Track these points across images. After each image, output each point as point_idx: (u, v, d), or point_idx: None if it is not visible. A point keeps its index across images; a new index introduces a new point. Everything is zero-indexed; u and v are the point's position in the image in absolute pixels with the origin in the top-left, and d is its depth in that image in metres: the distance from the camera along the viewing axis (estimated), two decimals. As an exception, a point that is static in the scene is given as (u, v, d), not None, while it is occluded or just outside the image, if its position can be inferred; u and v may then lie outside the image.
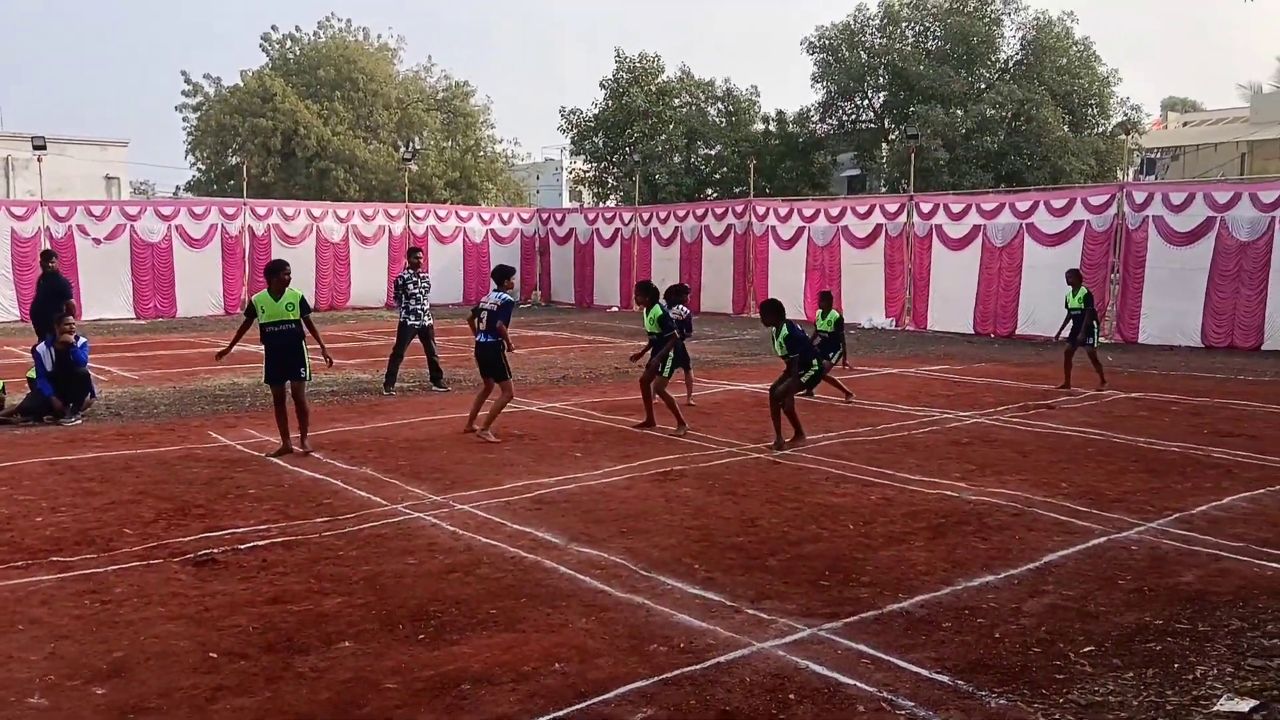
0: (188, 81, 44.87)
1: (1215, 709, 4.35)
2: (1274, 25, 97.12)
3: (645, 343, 11.11)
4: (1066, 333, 14.26)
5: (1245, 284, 19.44)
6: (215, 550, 6.52)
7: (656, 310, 10.71)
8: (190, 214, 28.27)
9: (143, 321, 26.57)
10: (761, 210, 28.10)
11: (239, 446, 9.88)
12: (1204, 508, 7.62)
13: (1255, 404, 12.77)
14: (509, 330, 10.24)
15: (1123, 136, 35.08)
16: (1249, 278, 19.39)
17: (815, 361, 10.23)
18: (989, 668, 4.76)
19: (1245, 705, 4.37)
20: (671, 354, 10.78)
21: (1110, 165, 35.10)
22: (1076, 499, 7.88)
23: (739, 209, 28.76)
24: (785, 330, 9.85)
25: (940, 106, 34.12)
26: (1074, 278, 14.35)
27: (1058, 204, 21.91)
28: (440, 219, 32.34)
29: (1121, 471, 8.89)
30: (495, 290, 10.30)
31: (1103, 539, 6.82)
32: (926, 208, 24.06)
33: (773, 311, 9.88)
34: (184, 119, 45.15)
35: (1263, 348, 19.13)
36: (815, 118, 39.62)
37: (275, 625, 5.27)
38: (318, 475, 8.64)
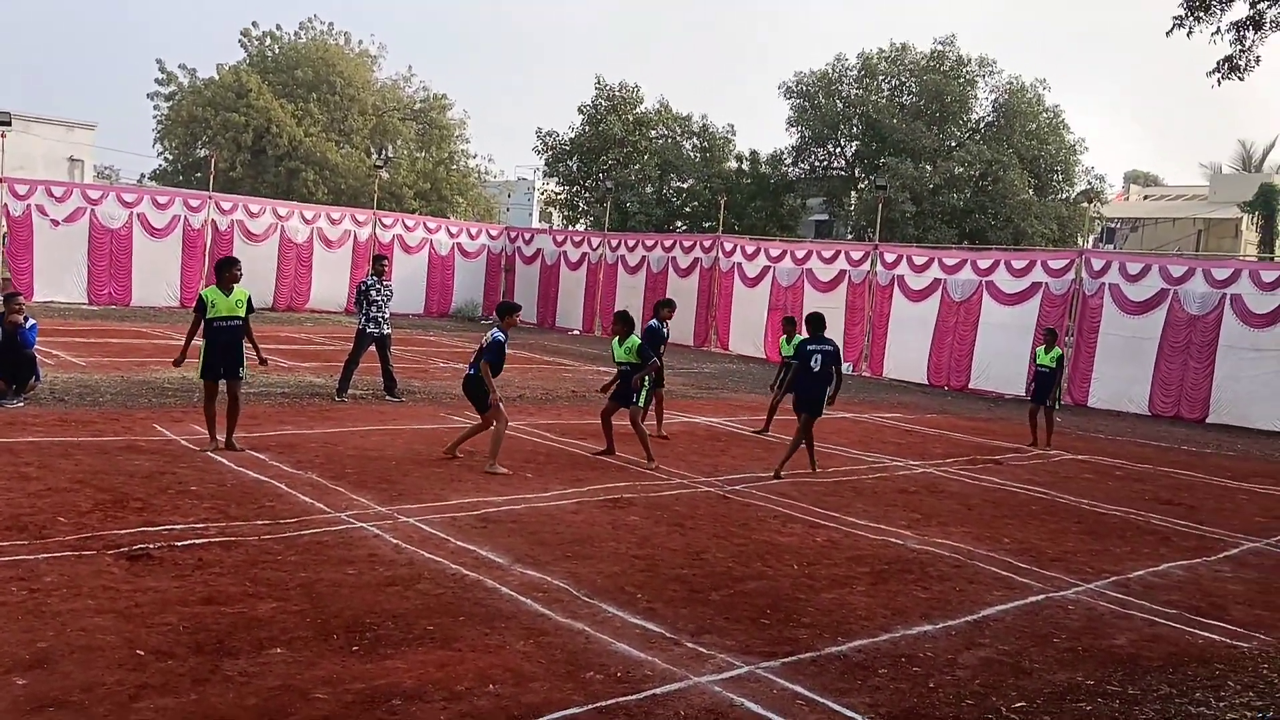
0: (162, 70, 44.42)
1: (1140, 772, 4.40)
2: (1236, 109, 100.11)
3: (615, 373, 10.99)
4: (1034, 389, 14.40)
5: (1194, 357, 19.90)
6: (151, 545, 6.39)
7: (633, 340, 10.60)
8: (154, 203, 27.88)
9: (96, 308, 26.09)
10: (729, 247, 28.27)
11: (183, 442, 9.72)
12: (1141, 573, 7.75)
13: (1196, 474, 13.03)
14: (498, 374, 9.94)
15: (1085, 204, 35.96)
16: (1197, 351, 19.86)
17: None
18: (922, 716, 4.79)
19: (1169, 770, 4.43)
20: (649, 385, 10.70)
21: (1071, 231, 35.86)
22: (1018, 555, 7.97)
23: (707, 243, 28.93)
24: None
25: (910, 160, 34.69)
26: (1049, 336, 14.55)
27: (1018, 264, 22.32)
28: (408, 228, 32.21)
29: (1063, 531, 9.02)
30: (493, 329, 9.95)
31: (1041, 596, 6.90)
32: (890, 258, 24.38)
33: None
34: (155, 107, 44.65)
35: (1207, 420, 19.56)
36: (788, 160, 40.10)
37: (206, 626, 5.17)
38: (262, 477, 8.51)
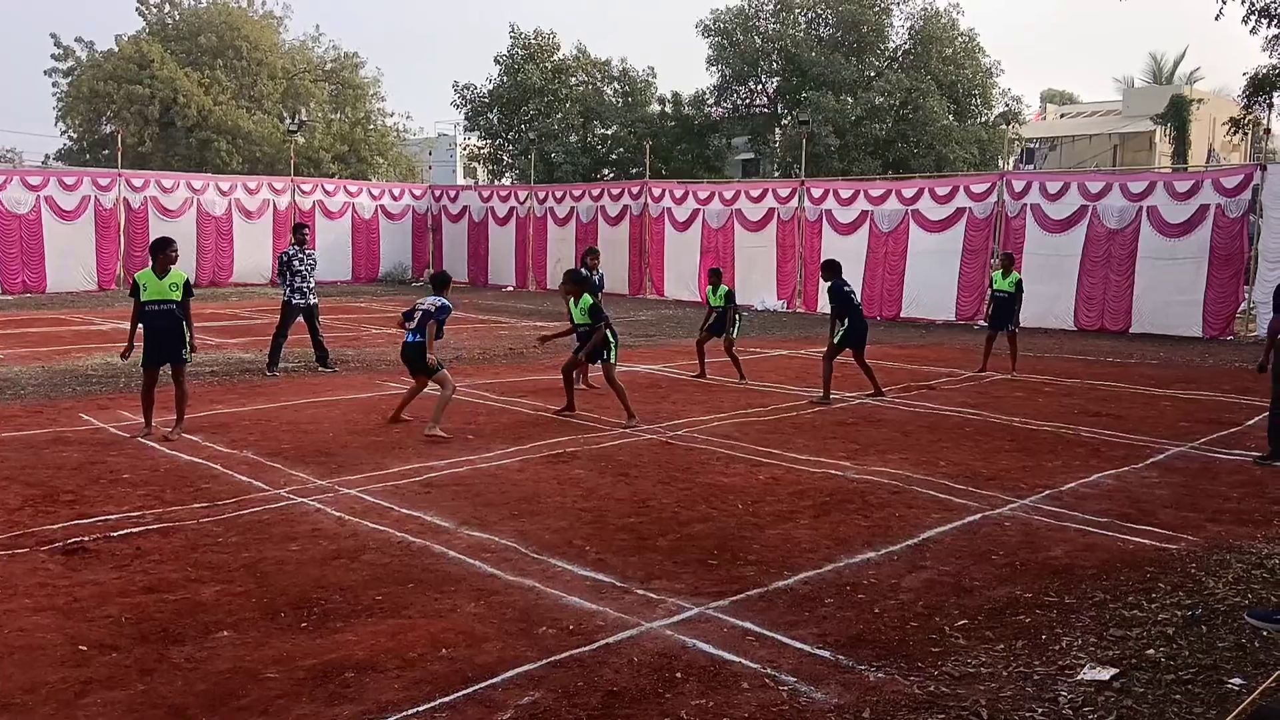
0: (58, 45, 42.64)
1: (1079, 678, 4.57)
2: (1146, 20, 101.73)
3: (563, 326, 10.74)
4: (994, 318, 14.44)
5: (1114, 270, 20.41)
6: (86, 538, 6.26)
7: (586, 300, 10.33)
8: (61, 184, 26.90)
9: (9, 297, 25.23)
10: (658, 192, 28.19)
11: (112, 429, 9.50)
12: (1073, 485, 7.99)
13: (1121, 385, 13.42)
14: (443, 338, 9.83)
15: (1004, 126, 36.41)
16: (1118, 264, 20.37)
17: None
18: (869, 642, 4.91)
19: (1106, 674, 4.61)
20: (614, 338, 10.41)
21: (992, 154, 36.33)
22: (954, 477, 8.16)
23: (635, 190, 28.80)
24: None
25: (831, 93, 34.76)
26: (1007, 261, 14.56)
27: (941, 191, 22.59)
28: (328, 194, 31.57)
29: (997, 451, 9.24)
30: (434, 297, 9.93)
31: (978, 516, 7.09)
32: (817, 193, 24.51)
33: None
34: (54, 84, 42.90)
35: (1130, 331, 20.13)
36: (711, 101, 39.91)
37: (149, 615, 5.09)
38: (196, 459, 8.37)
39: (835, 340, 11.78)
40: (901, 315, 22.83)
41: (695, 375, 13.55)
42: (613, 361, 10.43)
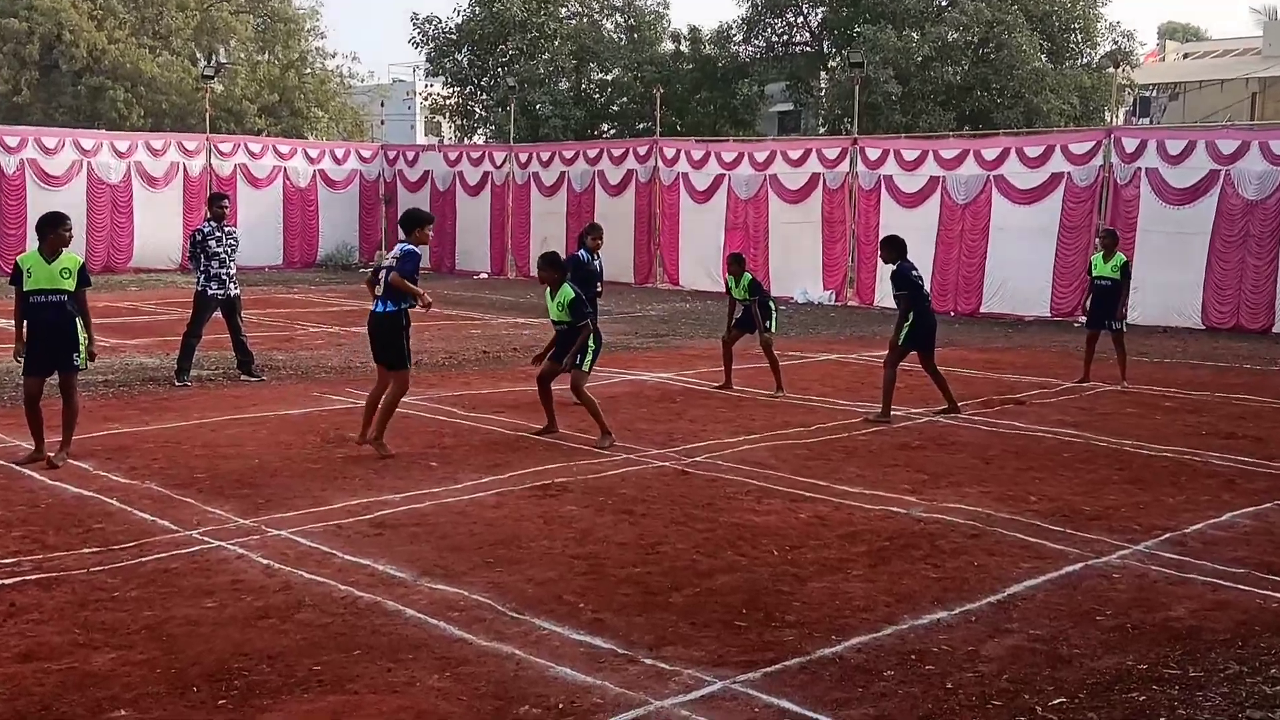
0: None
1: (1206, 771, 4.57)
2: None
3: (550, 338, 10.75)
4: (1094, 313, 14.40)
5: (1253, 253, 20.35)
6: (-55, 592, 6.29)
7: (567, 292, 10.29)
8: (-86, 144, 27.08)
9: None
10: (670, 153, 28.23)
11: (-21, 454, 9.54)
12: (1200, 526, 7.98)
13: (1262, 399, 13.41)
14: (421, 288, 9.67)
15: (1111, 70, 36.39)
16: (1257, 245, 20.30)
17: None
18: (940, 726, 4.92)
19: (1241, 766, 4.60)
20: (594, 342, 10.48)
21: (1096, 105, 36.32)
22: (1048, 516, 8.16)
23: (642, 150, 28.86)
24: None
25: (892, 27, 34.82)
26: (1109, 240, 14.48)
27: (1033, 152, 22.61)
28: (253, 155, 31.70)
29: (1103, 482, 9.23)
30: (399, 244, 9.76)
31: (1078, 565, 7.08)
32: (874, 154, 24.55)
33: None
34: (-95, 17, 43.12)
35: (1273, 330, 20.08)
36: (738, 38, 40.03)
37: (27, 690, 5.12)
38: (86, 492, 8.40)
39: (900, 340, 11.80)
40: (982, 310, 22.85)
41: (719, 386, 13.56)
42: (586, 369, 10.48)
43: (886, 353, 12.16)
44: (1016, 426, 11.51)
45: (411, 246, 9.70)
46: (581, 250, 12.73)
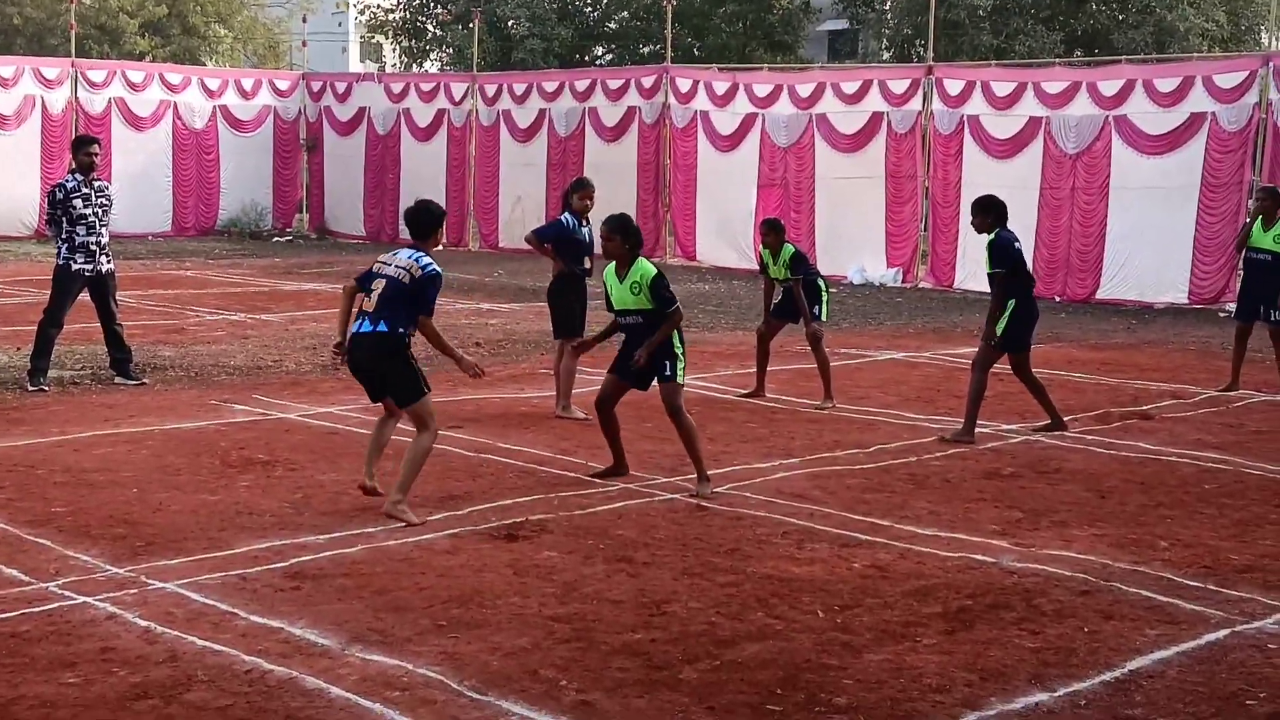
0: None
1: None
2: None
3: (607, 325, 10.31)
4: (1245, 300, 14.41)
5: None
6: None
7: (646, 269, 9.66)
8: None
9: None
10: (685, 85, 28.20)
11: None
12: (1384, 581, 7.95)
13: None
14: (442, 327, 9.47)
15: (1270, -23, 36.39)
16: None
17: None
18: (1038, 845, 4.90)
19: None
20: (680, 342, 9.85)
21: (1250, 23, 36.30)
22: (1184, 568, 8.10)
23: (648, 82, 28.84)
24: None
25: (980, -81, 34.81)
26: (1270, 199, 14.33)
27: (1165, 86, 22.56)
28: (133, 87, 31.72)
29: (1257, 523, 9.18)
30: (411, 250, 9.16)
31: (1224, 632, 7.04)
32: (955, 88, 24.50)
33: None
34: None
35: None
36: (776, -67, 40.00)
37: None
38: (-90, 530, 8.39)
39: (998, 333, 11.74)
40: (1098, 295, 22.79)
41: (748, 393, 13.54)
42: (681, 380, 9.90)
43: (976, 351, 12.13)
44: (1142, 449, 11.44)
45: (433, 264, 9.07)
46: (566, 214, 12.65)
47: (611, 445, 10.14)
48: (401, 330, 8.90)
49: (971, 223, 12.27)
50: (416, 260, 8.99)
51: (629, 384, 9.92)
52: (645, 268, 9.67)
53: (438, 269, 9.08)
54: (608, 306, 10.02)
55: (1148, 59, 27.90)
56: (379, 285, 8.95)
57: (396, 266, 8.99)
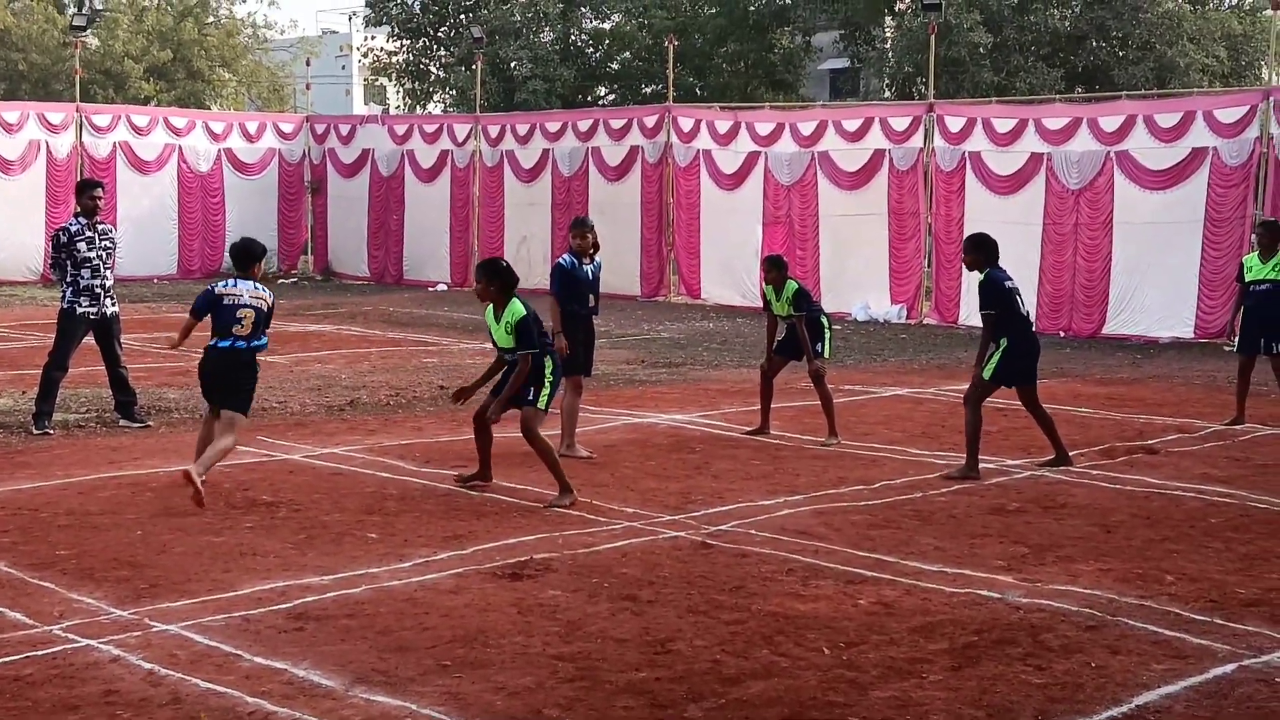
0: None
1: None
2: None
3: (488, 368, 10.93)
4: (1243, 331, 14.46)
5: None
6: None
7: (516, 309, 10.38)
8: None
9: None
10: (688, 124, 28.28)
11: None
12: (1392, 614, 7.92)
13: None
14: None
15: (1270, 12, 36.45)
16: None
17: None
18: None
19: None
20: (553, 373, 10.50)
21: (1250, 58, 36.35)
22: (1190, 602, 8.09)
23: (650, 121, 28.92)
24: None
25: (979, -43, 34.96)
26: (1270, 234, 14.42)
27: (1166, 121, 22.59)
28: (138, 131, 31.84)
29: (1262, 557, 9.16)
30: (244, 278, 10.83)
31: (1230, 666, 7.02)
32: (956, 125, 24.56)
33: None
34: None
35: None
36: (776, -29, 40.18)
37: None
38: (-87, 574, 8.39)
39: (986, 372, 11.78)
40: (1104, 331, 22.77)
41: (753, 430, 13.54)
42: (543, 407, 10.55)
43: (969, 387, 12.15)
44: (1148, 483, 11.43)
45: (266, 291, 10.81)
46: (566, 254, 12.62)
47: (480, 455, 10.98)
48: (259, 344, 10.80)
49: (964, 260, 12.39)
50: (254, 290, 10.73)
51: (512, 404, 10.54)
52: (515, 309, 10.39)
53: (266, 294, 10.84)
54: (492, 344, 10.76)
55: (1148, 95, 27.95)
56: (246, 311, 10.59)
57: (253, 296, 10.66)
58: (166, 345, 11.12)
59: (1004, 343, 11.67)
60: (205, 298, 10.69)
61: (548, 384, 10.48)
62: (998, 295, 11.71)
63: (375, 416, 14.48)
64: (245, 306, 10.58)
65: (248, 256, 10.96)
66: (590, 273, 12.46)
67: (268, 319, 10.81)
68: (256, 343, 10.73)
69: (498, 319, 10.41)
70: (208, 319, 10.67)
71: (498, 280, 10.45)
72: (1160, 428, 14.19)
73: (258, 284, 10.80)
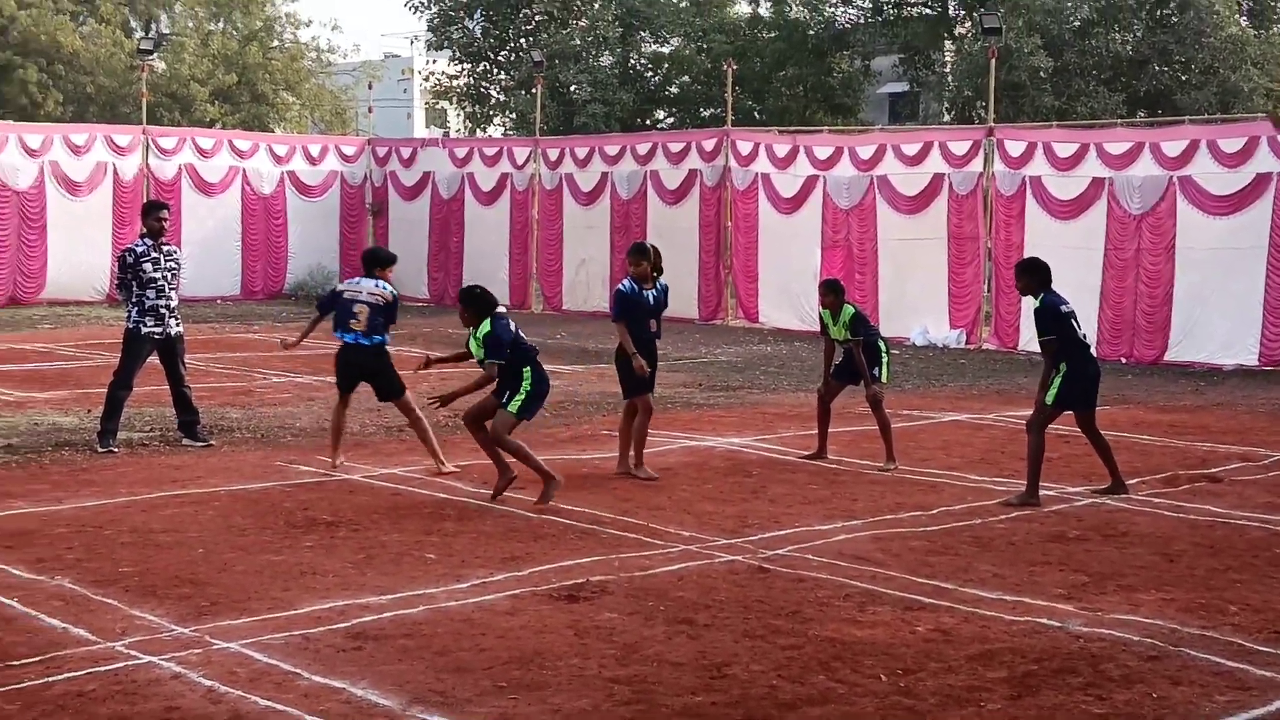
0: None
1: None
2: None
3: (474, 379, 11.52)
4: None
5: None
6: None
7: (486, 326, 11.22)
8: None
9: None
10: (746, 148, 28.28)
11: None
12: None
13: None
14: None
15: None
16: None
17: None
18: None
19: None
20: (532, 383, 11.27)
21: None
22: (1254, 633, 8.01)
23: (709, 145, 28.94)
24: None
25: (1041, -18, 34.81)
26: None
27: (1230, 146, 22.39)
28: (203, 154, 32.12)
29: (1329, 586, 9.08)
30: (368, 277, 12.68)
31: (1296, 698, 6.96)
32: (1016, 149, 24.46)
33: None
34: None
35: None
36: (835, -2, 40.16)
37: None
38: (-21, 590, 8.47)
39: (1050, 398, 11.71)
40: (1166, 358, 22.56)
41: (810, 455, 13.52)
42: (514, 412, 11.23)
43: (1031, 414, 12.07)
44: (1211, 512, 11.32)
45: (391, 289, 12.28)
46: (626, 280, 12.69)
47: (498, 467, 11.50)
48: (382, 339, 12.46)
49: (1016, 286, 12.34)
50: (378, 288, 12.50)
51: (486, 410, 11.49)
52: (485, 326, 11.33)
53: (392, 291, 12.55)
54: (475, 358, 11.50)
55: (1211, 119, 27.73)
56: (363, 308, 12.34)
57: (370, 293, 12.38)
58: (281, 347, 13.06)
59: (1063, 367, 11.59)
60: (329, 293, 12.64)
61: (524, 391, 11.21)
62: (1055, 319, 11.60)
63: (435, 437, 14.53)
64: (360, 302, 12.34)
65: (373, 260, 12.90)
66: (652, 297, 12.50)
67: (387, 313, 12.50)
68: (377, 338, 12.42)
69: (475, 335, 11.38)
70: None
71: (472, 306, 11.47)
72: (1224, 456, 14.05)
73: (381, 282, 12.56)
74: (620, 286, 12.72)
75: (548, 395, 11.70)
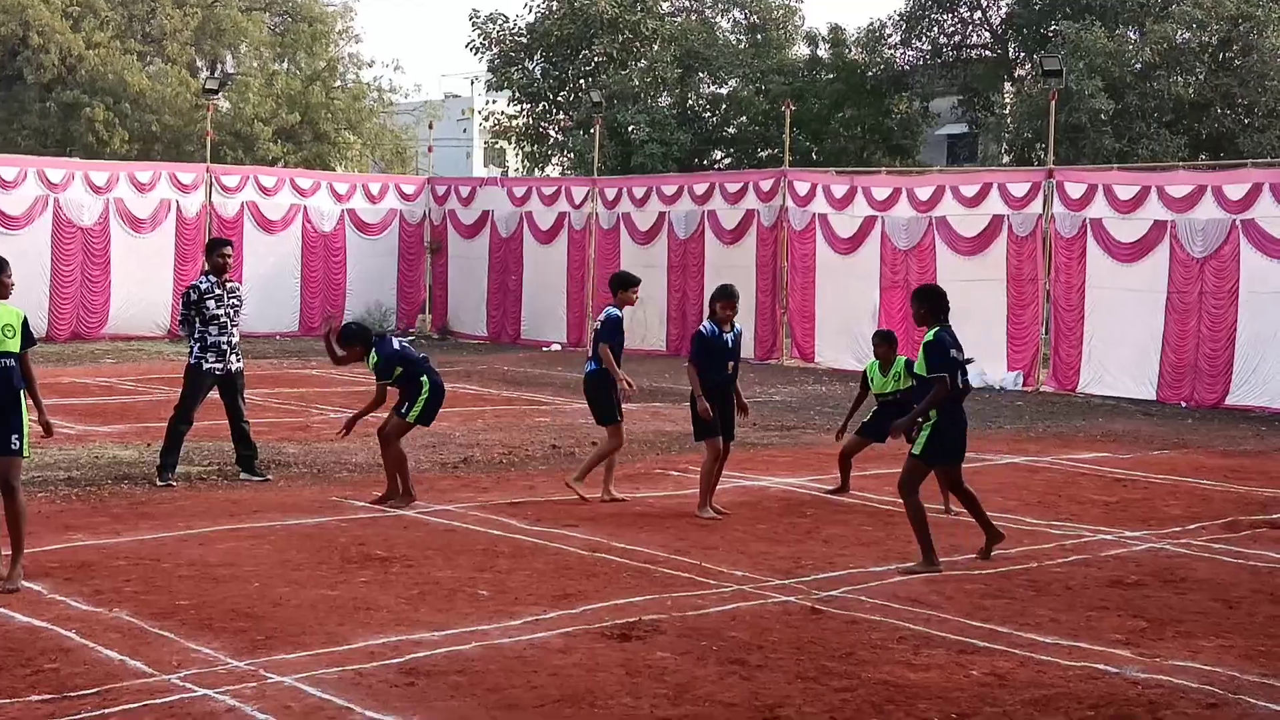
0: None
1: None
2: None
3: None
4: None
5: None
6: None
7: (373, 356, 12.44)
8: None
9: None
10: (804, 188, 28.27)
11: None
12: None
13: None
14: (617, 358, 13.05)
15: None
16: None
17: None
18: None
19: None
20: (427, 391, 12.49)
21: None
22: (1316, 680, 7.92)
23: (766, 185, 28.94)
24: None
25: (1100, 25, 34.70)
26: None
27: (1296, 188, 22.23)
28: (265, 191, 32.39)
29: (1392, 635, 8.96)
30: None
31: (1359, 750, 6.86)
32: (1076, 191, 24.33)
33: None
34: None
35: None
36: (894, 39, 40.17)
37: None
38: (37, 622, 8.51)
39: (916, 449, 10.79)
40: (1227, 402, 22.34)
41: (833, 490, 13.75)
42: (410, 420, 12.57)
43: (900, 473, 10.95)
44: (1271, 558, 11.19)
45: (614, 311, 13.25)
46: (706, 321, 12.71)
47: (396, 476, 12.69)
48: (599, 365, 13.12)
49: (914, 316, 11.08)
50: (607, 313, 13.45)
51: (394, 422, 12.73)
52: (372, 356, 12.49)
53: (615, 312, 13.31)
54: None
55: (1275, 162, 27.49)
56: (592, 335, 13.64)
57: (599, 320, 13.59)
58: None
59: (934, 415, 10.60)
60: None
61: (420, 401, 12.51)
62: (944, 360, 10.50)
63: (488, 474, 14.57)
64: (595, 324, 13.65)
65: (616, 282, 13.94)
66: (730, 340, 12.52)
67: (598, 336, 13.32)
68: (591, 365, 13.30)
69: (368, 367, 12.61)
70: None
71: (354, 342, 12.68)
72: (1284, 501, 13.91)
73: (612, 307, 13.47)
74: (700, 329, 12.73)
75: (444, 398, 12.91)
